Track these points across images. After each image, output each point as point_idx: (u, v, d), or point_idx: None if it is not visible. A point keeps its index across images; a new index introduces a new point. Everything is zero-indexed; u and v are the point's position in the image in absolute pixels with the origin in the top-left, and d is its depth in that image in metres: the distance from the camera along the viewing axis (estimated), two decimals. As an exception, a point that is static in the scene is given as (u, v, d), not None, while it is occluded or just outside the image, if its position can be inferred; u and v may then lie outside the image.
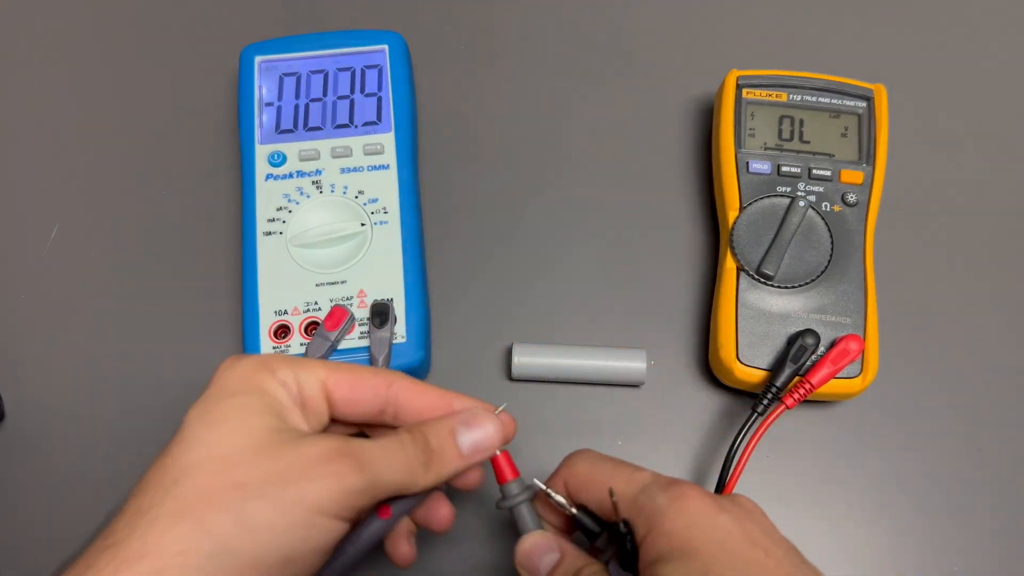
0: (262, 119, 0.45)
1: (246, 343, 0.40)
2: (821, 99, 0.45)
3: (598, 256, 0.46)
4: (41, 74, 0.51)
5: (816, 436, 0.42)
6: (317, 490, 0.26)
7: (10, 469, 0.41)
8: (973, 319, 0.45)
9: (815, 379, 0.38)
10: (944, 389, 0.44)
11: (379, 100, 0.45)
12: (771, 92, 0.45)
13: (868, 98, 0.45)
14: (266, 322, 0.40)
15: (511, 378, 0.42)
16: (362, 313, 0.40)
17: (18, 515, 0.40)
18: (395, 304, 0.40)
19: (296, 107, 0.45)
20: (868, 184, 0.43)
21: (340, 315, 0.39)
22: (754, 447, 0.37)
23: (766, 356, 0.40)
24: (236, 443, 0.27)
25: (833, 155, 0.44)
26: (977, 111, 0.51)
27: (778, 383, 0.38)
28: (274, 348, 0.40)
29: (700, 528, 0.27)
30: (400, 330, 0.40)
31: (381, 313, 0.39)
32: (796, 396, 0.37)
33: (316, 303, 0.41)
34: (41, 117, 0.50)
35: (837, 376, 0.39)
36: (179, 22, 0.53)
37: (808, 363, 0.39)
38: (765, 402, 0.38)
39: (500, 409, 0.32)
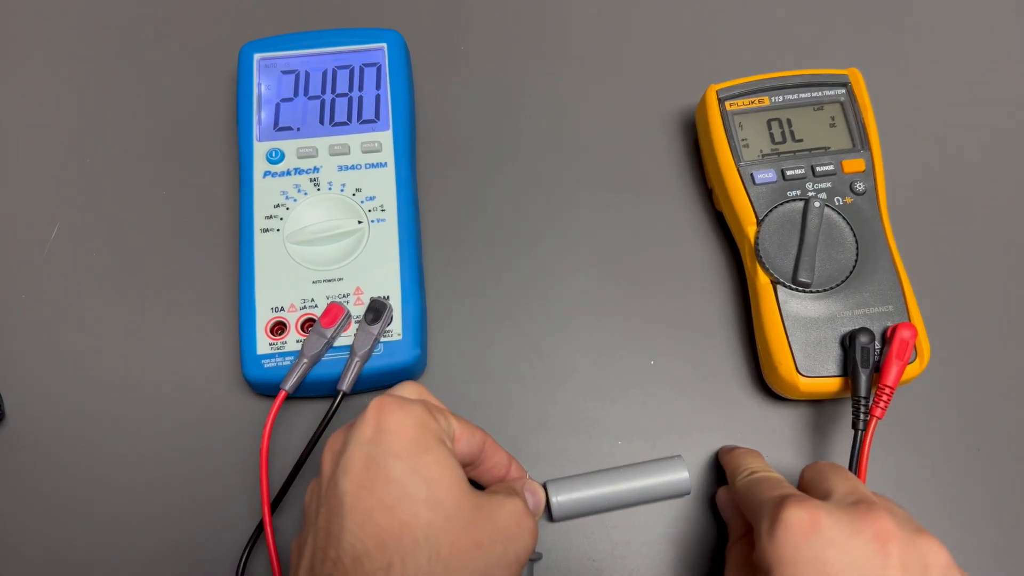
0: (260, 116, 0.45)
1: (243, 340, 0.40)
2: (801, 94, 0.44)
3: (599, 256, 0.46)
4: (40, 73, 0.51)
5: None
6: (524, 547, 0.31)
7: (10, 469, 0.41)
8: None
9: (890, 380, 0.37)
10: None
11: (377, 98, 0.45)
12: (752, 99, 0.44)
13: (845, 84, 0.44)
14: (263, 319, 0.40)
15: (551, 519, 0.40)
16: (358, 311, 0.40)
17: (18, 515, 0.40)
18: (391, 301, 0.40)
19: (294, 105, 0.45)
20: (870, 169, 0.43)
21: (336, 312, 0.39)
22: (866, 467, 0.36)
23: (825, 363, 0.39)
24: (460, 502, 0.29)
25: (828, 147, 0.43)
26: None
27: (862, 393, 0.37)
28: (270, 345, 0.40)
29: (783, 556, 0.28)
30: (396, 327, 0.40)
31: (376, 310, 0.39)
32: (882, 404, 0.37)
33: (312, 300, 0.40)
34: (40, 116, 0.50)
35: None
36: (178, 20, 0.53)
37: (873, 362, 0.38)
38: (862, 417, 0.37)
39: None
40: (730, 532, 0.38)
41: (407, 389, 0.34)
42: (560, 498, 0.38)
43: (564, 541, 0.40)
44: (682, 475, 0.39)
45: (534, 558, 0.38)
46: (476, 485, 0.34)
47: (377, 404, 0.30)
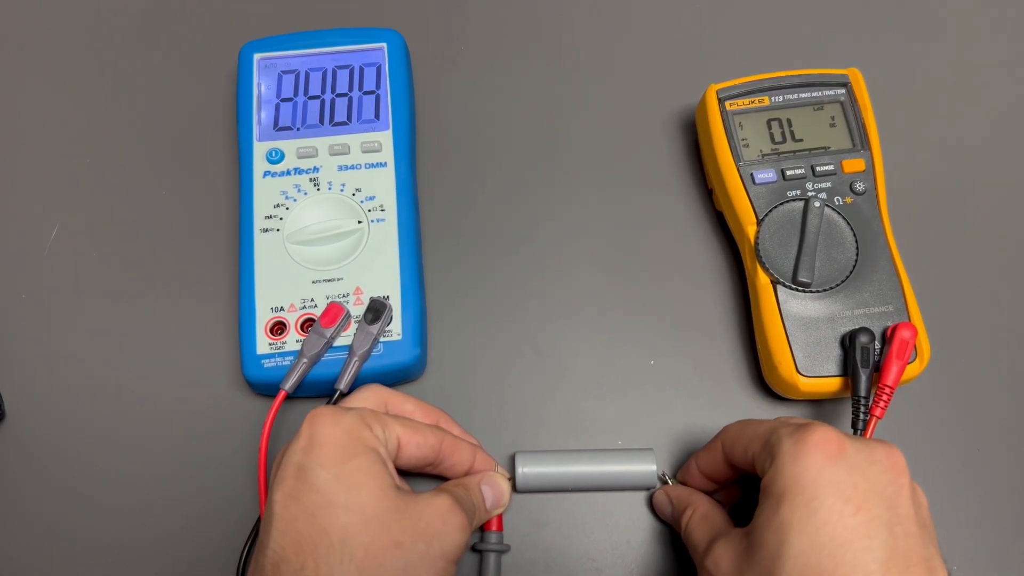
0: (260, 116, 0.45)
1: (243, 340, 0.40)
2: (801, 94, 0.45)
3: (599, 257, 0.46)
4: (40, 73, 0.51)
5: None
6: (451, 543, 0.32)
7: (10, 469, 0.41)
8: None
9: (890, 380, 0.37)
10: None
11: (377, 98, 0.45)
12: (752, 99, 0.44)
13: (845, 84, 0.45)
14: (263, 319, 0.40)
15: (515, 489, 0.40)
16: (358, 311, 0.40)
17: (18, 515, 0.40)
18: (391, 301, 0.40)
19: (294, 104, 0.45)
20: (871, 169, 0.43)
21: (336, 312, 0.39)
22: None
23: (825, 363, 0.39)
24: (381, 504, 0.30)
25: (829, 147, 0.43)
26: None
27: (862, 393, 0.37)
28: (270, 345, 0.40)
29: (805, 474, 0.29)
30: (396, 327, 0.40)
31: (376, 310, 0.39)
32: (882, 404, 0.37)
33: (312, 300, 0.40)
34: (41, 116, 0.50)
35: (899, 367, 0.38)
36: (178, 20, 0.53)
37: (873, 362, 0.38)
38: (862, 417, 0.37)
39: (498, 467, 0.39)
40: (687, 539, 0.36)
41: (363, 394, 0.36)
42: (526, 470, 0.39)
43: (564, 541, 0.40)
44: (649, 467, 0.39)
45: (501, 550, 0.38)
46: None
47: (311, 416, 0.32)
